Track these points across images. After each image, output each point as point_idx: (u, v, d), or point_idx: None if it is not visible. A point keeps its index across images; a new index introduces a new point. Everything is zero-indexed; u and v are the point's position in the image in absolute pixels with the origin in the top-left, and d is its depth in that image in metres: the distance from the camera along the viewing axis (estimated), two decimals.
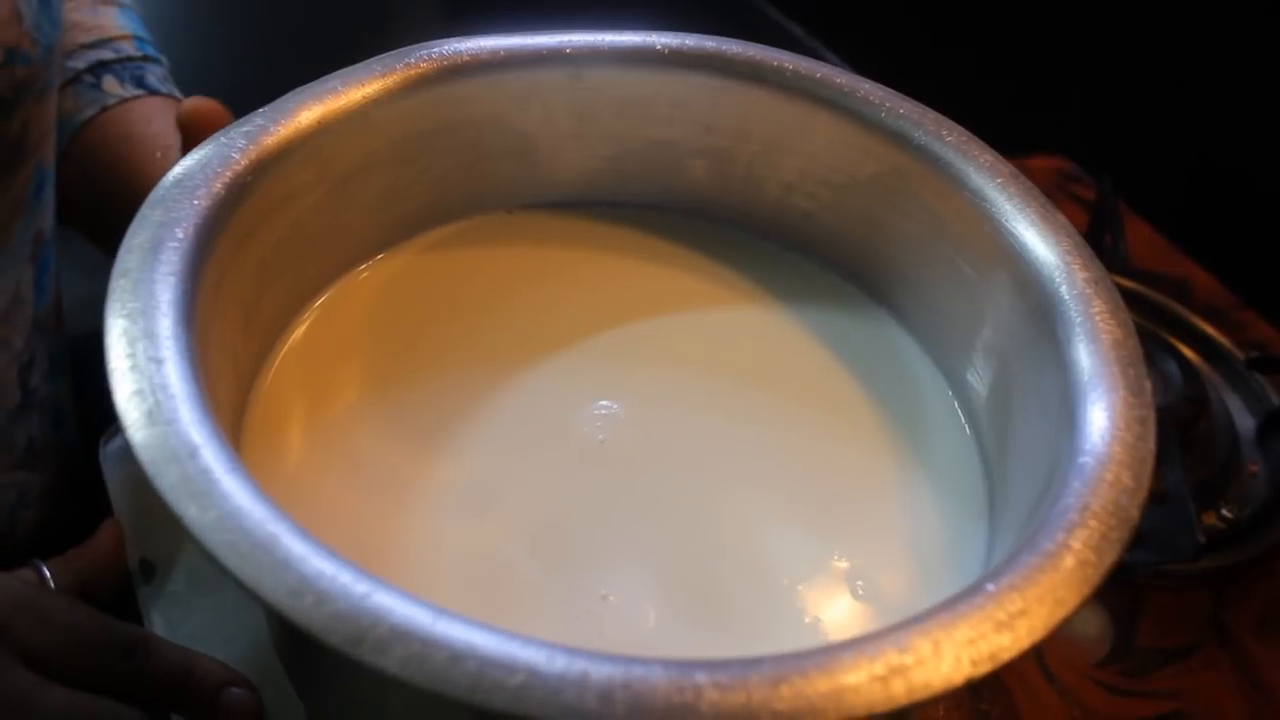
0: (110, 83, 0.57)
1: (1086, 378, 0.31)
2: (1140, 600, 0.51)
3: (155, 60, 0.60)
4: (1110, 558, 0.26)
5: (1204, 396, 0.58)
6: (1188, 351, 0.63)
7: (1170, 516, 0.50)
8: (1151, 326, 0.64)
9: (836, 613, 0.33)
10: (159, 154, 0.53)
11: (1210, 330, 0.65)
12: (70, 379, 0.57)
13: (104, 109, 0.56)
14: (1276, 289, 0.70)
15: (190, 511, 0.24)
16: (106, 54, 0.58)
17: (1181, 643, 0.50)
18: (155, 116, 0.55)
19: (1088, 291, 0.33)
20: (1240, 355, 0.63)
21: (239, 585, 0.23)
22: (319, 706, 0.37)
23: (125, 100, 0.57)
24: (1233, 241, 0.76)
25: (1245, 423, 0.60)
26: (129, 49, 0.59)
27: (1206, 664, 0.50)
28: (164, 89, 0.59)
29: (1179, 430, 0.55)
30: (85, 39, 0.58)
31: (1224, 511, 0.55)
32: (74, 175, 0.55)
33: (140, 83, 0.58)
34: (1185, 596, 0.52)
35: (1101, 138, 0.86)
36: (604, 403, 0.37)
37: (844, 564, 0.34)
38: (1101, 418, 0.29)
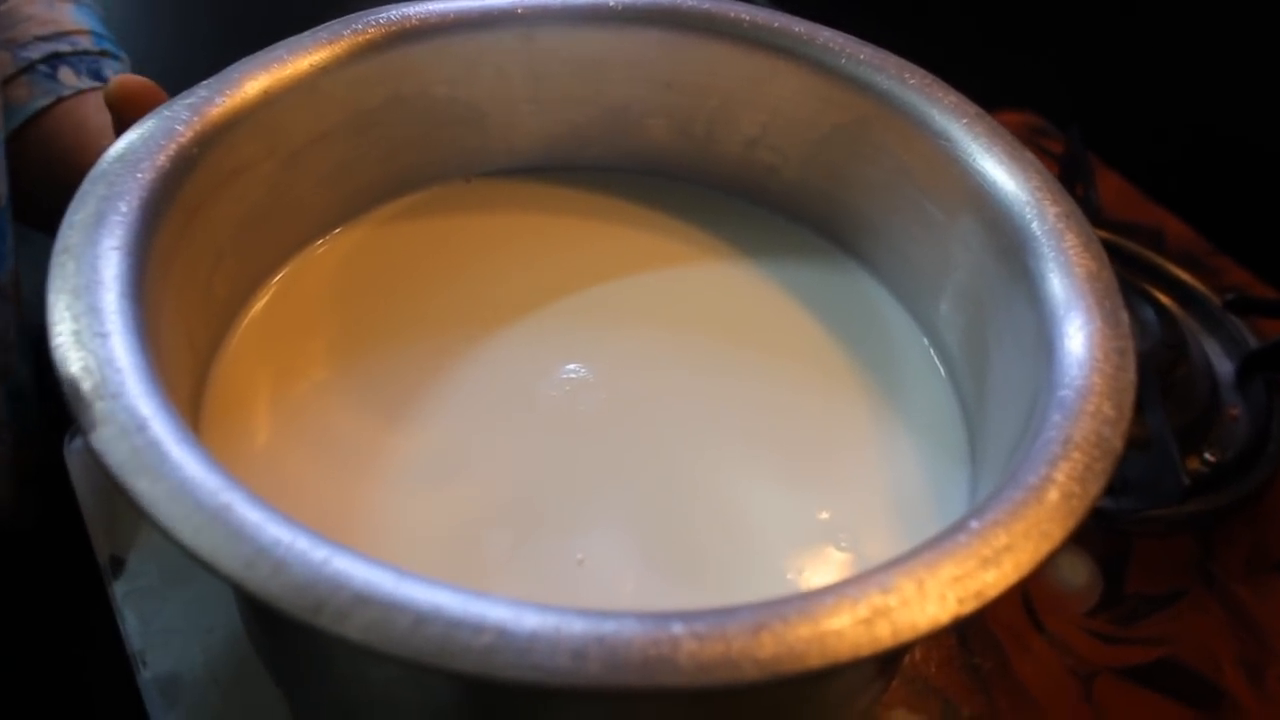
0: (66, 74, 0.56)
1: (1062, 312, 0.30)
2: (1127, 548, 0.51)
3: (114, 56, 0.59)
4: (1095, 488, 0.25)
5: (1182, 342, 0.57)
6: (1164, 298, 0.63)
7: (1154, 461, 0.50)
8: (1127, 275, 0.63)
9: (819, 565, 0.32)
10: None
11: (1185, 276, 0.64)
12: (32, 360, 0.56)
13: (59, 99, 0.56)
14: (1249, 233, 0.69)
15: (140, 485, 0.23)
16: (63, 47, 0.57)
17: (1170, 588, 0.50)
18: None
19: (1059, 226, 0.32)
20: (1216, 299, 0.63)
21: (193, 559, 0.22)
22: (299, 694, 0.36)
23: (81, 92, 0.56)
24: (1204, 188, 0.76)
25: (1224, 367, 0.60)
26: (86, 44, 0.58)
27: (1195, 608, 0.49)
28: None
29: (1159, 376, 0.54)
30: (40, 31, 0.57)
31: (1207, 456, 0.54)
32: (28, 164, 0.54)
33: (97, 75, 0.57)
34: (1172, 542, 0.52)
35: (1070, 92, 0.86)
36: (572, 366, 0.37)
37: (825, 516, 0.33)
38: (1080, 350, 0.28)
